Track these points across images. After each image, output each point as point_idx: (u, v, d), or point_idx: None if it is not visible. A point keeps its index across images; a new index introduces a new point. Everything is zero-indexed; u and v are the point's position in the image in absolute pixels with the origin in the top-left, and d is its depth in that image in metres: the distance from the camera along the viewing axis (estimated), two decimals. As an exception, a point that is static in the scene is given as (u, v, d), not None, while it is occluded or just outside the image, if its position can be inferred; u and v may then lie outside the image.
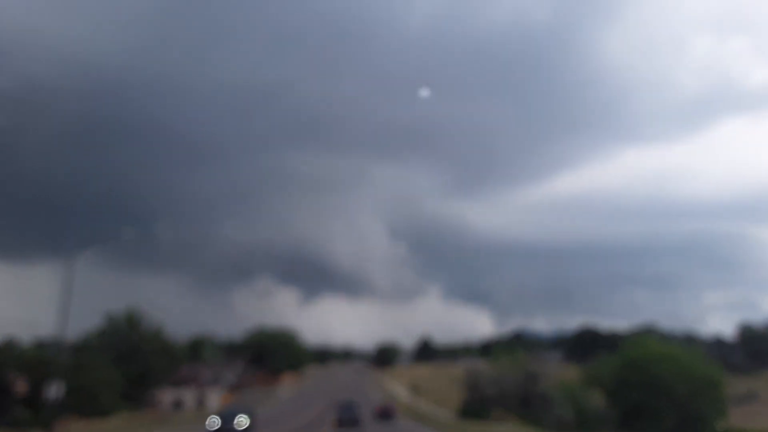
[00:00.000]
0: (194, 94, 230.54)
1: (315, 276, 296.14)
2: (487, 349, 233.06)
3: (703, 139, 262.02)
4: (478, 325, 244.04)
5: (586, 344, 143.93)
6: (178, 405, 73.09)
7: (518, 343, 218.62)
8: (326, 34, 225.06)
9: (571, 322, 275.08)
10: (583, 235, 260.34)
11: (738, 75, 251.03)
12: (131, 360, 55.99)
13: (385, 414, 55.43)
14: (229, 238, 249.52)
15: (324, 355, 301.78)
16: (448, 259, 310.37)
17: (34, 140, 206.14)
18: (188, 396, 75.27)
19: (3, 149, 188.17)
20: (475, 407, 58.39)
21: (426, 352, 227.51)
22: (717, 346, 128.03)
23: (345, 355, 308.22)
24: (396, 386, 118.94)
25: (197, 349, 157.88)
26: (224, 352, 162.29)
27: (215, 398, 75.97)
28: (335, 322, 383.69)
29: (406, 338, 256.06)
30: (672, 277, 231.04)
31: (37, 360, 46.12)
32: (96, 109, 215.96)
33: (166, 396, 73.86)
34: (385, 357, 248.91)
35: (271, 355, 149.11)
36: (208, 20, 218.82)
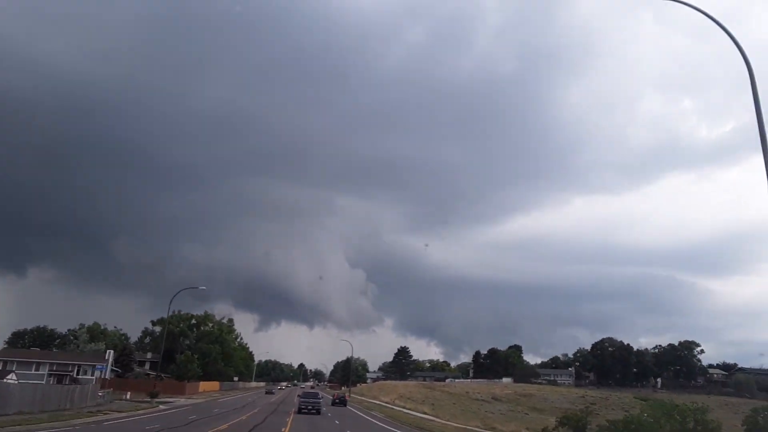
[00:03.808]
0: (168, 119, 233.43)
1: (274, 302, 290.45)
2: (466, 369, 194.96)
3: (648, 192, 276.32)
4: (429, 356, 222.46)
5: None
6: None
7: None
8: (301, 69, 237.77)
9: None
10: (530, 275, 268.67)
11: (684, 133, 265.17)
12: None
13: (339, 401, 69.90)
14: (191, 261, 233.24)
15: (273, 372, 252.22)
16: (403, 292, 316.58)
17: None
18: None
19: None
20: None
21: (401, 368, 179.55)
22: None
23: (299, 375, 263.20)
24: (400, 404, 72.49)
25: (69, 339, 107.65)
26: (126, 346, 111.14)
27: None
28: (292, 348, 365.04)
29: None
30: (610, 320, 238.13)
31: None
32: (66, 125, 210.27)
33: None
34: (348, 374, 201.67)
35: (189, 349, 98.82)
36: (188, 49, 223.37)
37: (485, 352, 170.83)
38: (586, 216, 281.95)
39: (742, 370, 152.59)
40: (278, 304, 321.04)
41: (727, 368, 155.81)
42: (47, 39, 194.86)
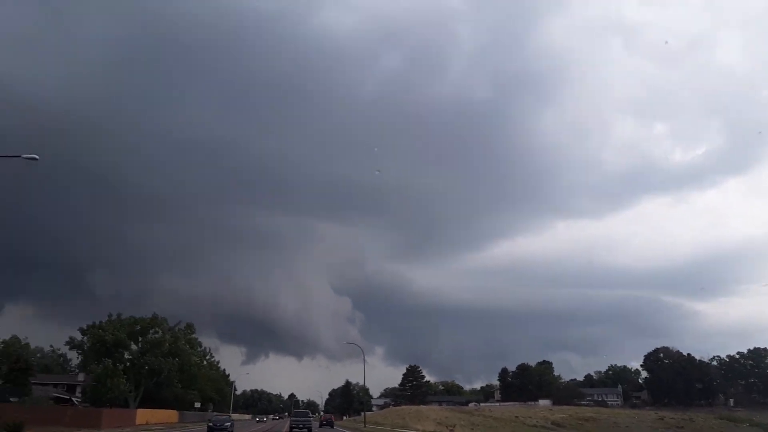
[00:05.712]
0: (144, 148, 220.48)
1: (260, 334, 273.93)
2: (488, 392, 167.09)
3: (626, 215, 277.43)
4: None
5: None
6: None
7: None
8: (279, 95, 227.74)
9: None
10: (517, 300, 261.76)
11: (658, 157, 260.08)
12: None
13: (326, 422, 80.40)
14: (173, 293, 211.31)
15: (260, 402, 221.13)
16: (390, 320, 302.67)
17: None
18: None
19: None
20: None
21: (411, 391, 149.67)
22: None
23: (290, 406, 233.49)
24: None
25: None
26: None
27: None
28: (281, 380, 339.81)
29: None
30: (599, 343, 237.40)
31: None
32: (36, 152, 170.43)
33: None
34: (348, 402, 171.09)
35: (132, 364, 69.62)
36: (162, 76, 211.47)
37: (513, 370, 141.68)
38: (568, 240, 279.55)
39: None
40: (265, 335, 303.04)
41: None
42: (15, 59, 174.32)
